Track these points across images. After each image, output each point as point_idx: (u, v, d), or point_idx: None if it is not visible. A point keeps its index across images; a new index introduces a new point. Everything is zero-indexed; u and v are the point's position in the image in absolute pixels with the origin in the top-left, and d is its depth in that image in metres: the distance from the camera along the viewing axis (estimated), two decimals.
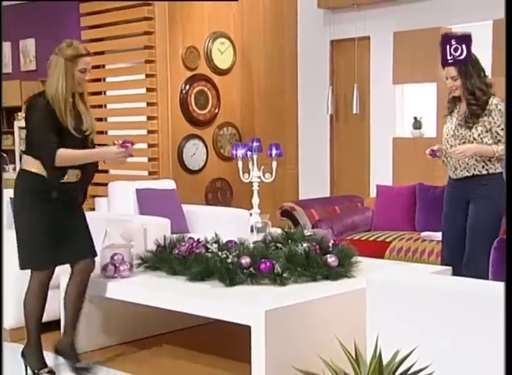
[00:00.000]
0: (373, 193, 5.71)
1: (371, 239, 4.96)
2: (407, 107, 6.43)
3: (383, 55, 6.37)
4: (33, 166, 3.30)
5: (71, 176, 3.33)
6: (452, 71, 3.81)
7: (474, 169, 3.76)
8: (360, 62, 6.63)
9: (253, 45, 7.03)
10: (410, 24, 6.11)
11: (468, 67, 3.74)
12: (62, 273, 3.58)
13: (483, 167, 3.75)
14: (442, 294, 2.52)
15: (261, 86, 7.09)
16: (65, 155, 3.27)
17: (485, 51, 5.69)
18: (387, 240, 4.87)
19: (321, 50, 6.93)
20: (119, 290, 3.59)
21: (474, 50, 5.87)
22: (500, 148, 3.69)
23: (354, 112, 6.61)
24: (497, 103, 3.73)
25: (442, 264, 3.85)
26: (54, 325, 3.78)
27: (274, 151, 5.88)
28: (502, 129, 3.70)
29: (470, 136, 3.76)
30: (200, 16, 6.62)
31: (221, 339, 4.00)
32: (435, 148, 3.94)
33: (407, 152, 6.16)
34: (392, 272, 2.84)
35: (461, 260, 3.70)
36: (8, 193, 3.78)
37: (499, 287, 2.49)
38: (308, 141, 7.12)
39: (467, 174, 3.78)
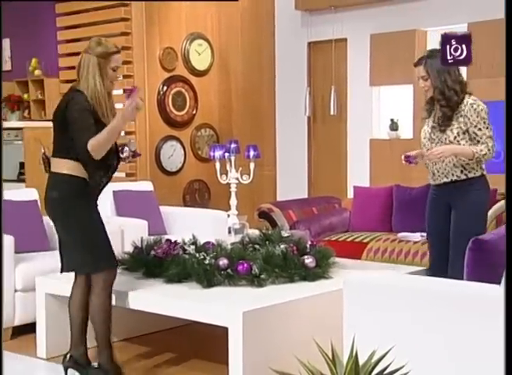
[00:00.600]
0: (350, 194, 5.74)
1: (348, 240, 4.98)
2: (383, 109, 6.47)
3: (360, 56, 6.40)
4: (73, 169, 3.18)
5: (105, 178, 3.30)
6: (421, 70, 3.65)
7: (453, 175, 3.62)
8: (338, 63, 6.67)
9: (230, 47, 7.03)
10: (386, 26, 6.16)
11: (438, 66, 3.53)
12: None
13: (461, 172, 3.61)
14: (418, 295, 2.54)
15: (238, 87, 7.10)
16: (95, 141, 3.10)
17: None
18: (364, 241, 4.89)
19: (298, 51, 6.95)
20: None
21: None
22: (479, 149, 3.52)
23: (332, 113, 6.64)
24: (472, 103, 3.59)
25: (428, 274, 3.65)
26: (29, 328, 3.75)
27: (252, 153, 5.91)
28: (479, 129, 3.56)
29: (445, 139, 3.62)
30: (177, 17, 6.60)
31: (198, 340, 3.99)
32: (412, 153, 3.79)
33: (384, 154, 6.20)
34: (369, 273, 2.85)
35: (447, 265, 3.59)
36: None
37: (475, 287, 2.51)
38: (286, 143, 7.13)
39: (445, 180, 3.64)
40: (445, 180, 3.64)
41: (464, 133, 3.59)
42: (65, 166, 3.20)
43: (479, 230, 3.51)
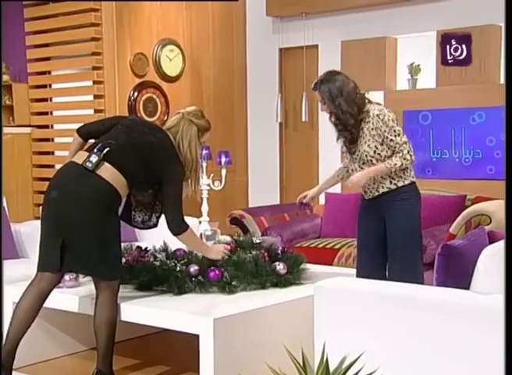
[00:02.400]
0: (322, 200, 5.76)
1: (319, 246, 4.99)
2: None
3: (331, 63, 6.42)
4: (122, 189, 3.22)
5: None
6: (317, 94, 3.62)
7: (383, 187, 3.57)
8: (309, 70, 6.69)
9: (202, 53, 7.02)
10: (357, 33, 6.20)
11: (333, 91, 3.52)
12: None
13: (391, 182, 3.54)
14: (388, 300, 2.55)
15: (210, 93, 7.09)
16: (190, 238, 3.44)
17: (429, 61, 5.82)
18: (336, 247, 4.90)
19: (270, 58, 6.97)
20: (64, 300, 3.51)
21: (405, 60, 5.94)
22: (393, 163, 3.46)
23: (303, 119, 6.66)
24: (378, 113, 3.50)
25: (357, 276, 3.65)
26: None
27: (223, 159, 5.90)
28: (391, 139, 3.48)
29: (366, 155, 3.55)
30: (148, 22, 6.57)
31: (169, 348, 3.96)
32: (306, 197, 3.92)
33: None
34: (339, 278, 2.85)
35: (377, 271, 3.57)
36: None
37: (445, 292, 2.53)
38: (258, 149, 7.13)
39: (377, 193, 3.60)
40: (376, 193, 3.62)
41: (381, 144, 3.52)
42: (118, 182, 3.21)
43: (415, 226, 3.54)
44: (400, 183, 3.57)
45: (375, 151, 3.54)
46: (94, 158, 3.19)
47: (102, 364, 3.26)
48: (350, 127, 3.55)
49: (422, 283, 3.42)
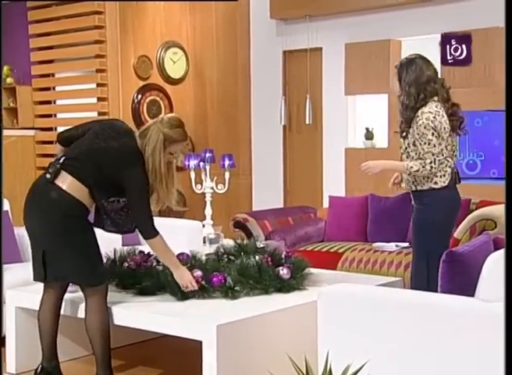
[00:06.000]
0: (326, 203, 5.73)
1: (323, 250, 4.96)
2: (358, 118, 6.48)
3: (335, 66, 6.42)
4: (84, 199, 3.19)
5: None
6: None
7: (408, 185, 3.65)
8: (313, 72, 6.67)
9: (206, 55, 7.01)
10: (361, 36, 6.18)
11: (405, 71, 3.62)
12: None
13: (413, 183, 3.62)
14: (393, 307, 2.53)
15: (213, 96, 7.08)
16: (160, 245, 3.31)
17: (434, 63, 5.78)
18: (339, 251, 4.88)
19: (273, 60, 6.95)
20: (66, 305, 3.49)
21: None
22: (411, 165, 3.51)
23: (307, 122, 6.64)
24: (419, 115, 3.53)
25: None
26: None
27: (227, 162, 5.88)
28: (419, 144, 3.51)
29: (400, 148, 3.67)
30: (152, 25, 6.57)
31: (172, 354, 3.94)
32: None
33: (359, 163, 6.12)
34: (343, 284, 2.84)
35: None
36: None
37: (450, 299, 2.51)
38: (261, 152, 7.12)
39: (408, 189, 3.69)
40: (408, 188, 3.72)
41: (414, 144, 3.58)
42: (78, 191, 3.18)
43: (424, 233, 3.57)
44: (419, 187, 3.61)
45: (406, 148, 3.61)
46: (52, 169, 3.22)
47: (102, 369, 3.26)
48: (404, 109, 3.58)
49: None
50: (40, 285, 3.36)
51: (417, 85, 3.58)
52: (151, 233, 3.27)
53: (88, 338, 3.27)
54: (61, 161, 3.22)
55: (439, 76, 4.32)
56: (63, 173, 3.19)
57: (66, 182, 3.18)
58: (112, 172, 3.19)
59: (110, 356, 3.29)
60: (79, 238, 3.20)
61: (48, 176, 3.20)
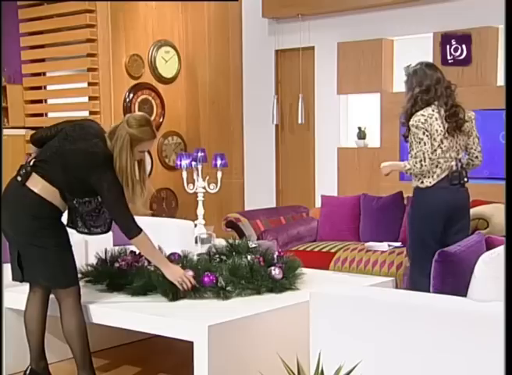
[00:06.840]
0: (318, 203, 5.72)
1: (316, 250, 4.95)
2: (351, 117, 6.47)
3: (327, 65, 6.41)
4: (55, 200, 3.17)
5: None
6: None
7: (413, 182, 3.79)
8: (305, 72, 6.66)
9: (198, 54, 6.99)
10: (353, 35, 6.17)
11: (408, 80, 3.77)
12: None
13: (412, 180, 3.78)
14: (385, 307, 2.52)
15: (206, 95, 7.06)
16: (146, 244, 3.25)
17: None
18: (332, 250, 4.87)
19: (266, 59, 6.93)
20: (57, 307, 3.46)
21: (401, 62, 5.97)
22: (404, 164, 3.66)
23: (299, 121, 6.62)
24: (412, 118, 3.67)
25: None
26: None
27: (219, 162, 5.84)
28: (412, 139, 3.65)
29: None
30: (143, 24, 6.54)
31: (163, 354, 3.92)
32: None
33: (352, 162, 6.20)
34: (335, 285, 2.82)
35: None
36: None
37: (442, 299, 2.50)
38: (254, 151, 7.10)
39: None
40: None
41: (411, 146, 3.70)
42: (49, 193, 3.16)
43: (411, 233, 3.72)
44: (414, 185, 3.73)
45: (409, 151, 3.70)
46: (23, 171, 3.20)
47: (83, 371, 3.23)
48: (403, 112, 3.72)
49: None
50: (27, 285, 3.33)
51: (417, 92, 3.68)
52: (134, 231, 3.20)
53: (66, 341, 3.24)
54: (31, 163, 3.21)
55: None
56: (34, 175, 3.18)
57: (37, 184, 3.17)
58: (82, 174, 3.15)
59: (90, 357, 3.25)
60: (49, 240, 3.17)
61: (19, 178, 3.20)
